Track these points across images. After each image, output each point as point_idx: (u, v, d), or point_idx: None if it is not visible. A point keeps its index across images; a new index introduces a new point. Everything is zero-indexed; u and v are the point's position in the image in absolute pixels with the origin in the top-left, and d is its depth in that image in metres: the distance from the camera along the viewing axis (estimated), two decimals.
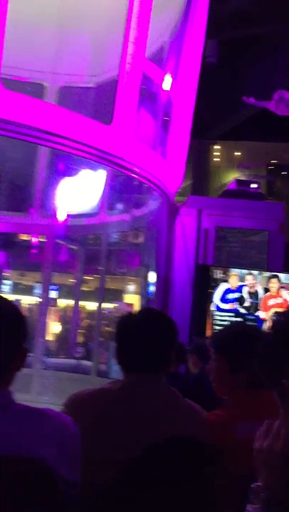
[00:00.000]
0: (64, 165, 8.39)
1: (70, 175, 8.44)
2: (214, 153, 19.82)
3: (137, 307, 9.18)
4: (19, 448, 1.13)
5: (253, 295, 6.97)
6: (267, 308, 6.88)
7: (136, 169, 5.05)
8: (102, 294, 8.36)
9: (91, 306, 10.66)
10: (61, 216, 8.25)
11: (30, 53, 8.07)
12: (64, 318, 11.68)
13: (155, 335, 1.71)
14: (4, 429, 1.15)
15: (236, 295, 6.95)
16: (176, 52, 6.66)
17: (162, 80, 5.75)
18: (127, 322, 1.79)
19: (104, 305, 9.27)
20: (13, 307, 1.30)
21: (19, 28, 6.97)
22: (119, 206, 8.44)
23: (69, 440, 1.23)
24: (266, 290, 6.94)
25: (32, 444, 1.15)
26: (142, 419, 1.58)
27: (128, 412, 1.59)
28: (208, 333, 6.69)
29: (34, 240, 9.56)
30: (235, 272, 7.01)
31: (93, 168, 7.72)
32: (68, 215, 8.35)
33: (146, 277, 8.24)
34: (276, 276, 7.02)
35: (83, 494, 1.22)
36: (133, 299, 10.22)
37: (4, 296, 1.38)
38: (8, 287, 12.09)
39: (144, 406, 1.61)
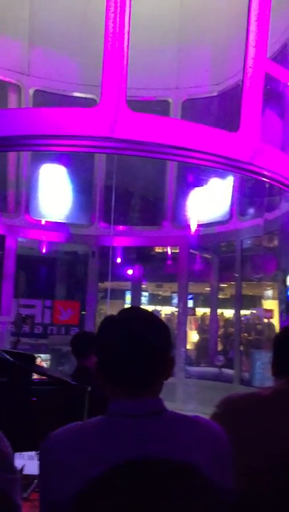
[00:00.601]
0: (193, 176, 8.54)
1: (199, 185, 8.55)
2: None
3: (276, 313, 8.93)
4: (173, 453, 1.19)
5: None
6: None
7: (266, 173, 4.97)
8: (240, 301, 8.29)
9: (228, 313, 10.59)
10: (193, 226, 8.39)
11: (153, 73, 8.41)
12: (202, 326, 11.75)
13: None
14: (159, 434, 1.22)
15: None
16: None
17: (287, 77, 5.59)
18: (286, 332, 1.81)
19: (242, 312, 9.15)
20: (158, 320, 1.37)
21: (142, 50, 7.33)
22: (251, 211, 8.32)
23: (220, 447, 1.27)
24: None
25: (185, 450, 1.21)
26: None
27: (280, 416, 1.58)
28: None
29: (168, 251, 9.82)
30: None
31: (222, 175, 7.74)
32: (200, 225, 8.45)
33: (284, 282, 7.99)
34: None
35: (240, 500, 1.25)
36: (271, 305, 9.96)
37: (146, 308, 1.47)
38: (146, 298, 12.54)
39: None
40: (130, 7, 4.47)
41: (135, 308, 1.41)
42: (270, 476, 1.43)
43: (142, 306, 10.80)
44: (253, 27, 4.69)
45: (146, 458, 1.15)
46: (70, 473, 1.18)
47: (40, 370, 3.27)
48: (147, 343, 1.28)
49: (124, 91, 4.31)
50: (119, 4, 4.37)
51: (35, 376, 3.06)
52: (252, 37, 4.70)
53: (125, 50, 4.25)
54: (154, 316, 1.39)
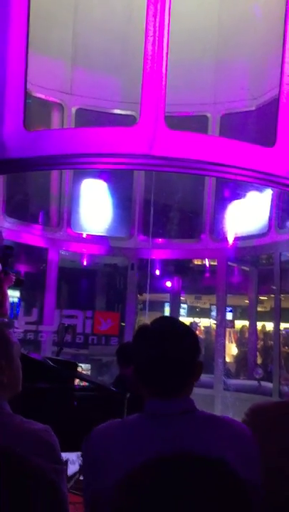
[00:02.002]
0: (230, 190, 8.62)
1: (237, 198, 8.62)
2: None
3: None
4: (206, 449, 1.31)
5: None
6: None
7: None
8: (278, 314, 8.26)
9: (268, 326, 10.53)
10: (231, 239, 8.45)
11: (191, 88, 8.57)
12: (241, 339, 11.71)
13: None
14: (191, 432, 1.35)
15: None
16: None
17: None
18: None
19: (282, 325, 9.10)
20: (187, 328, 1.52)
21: (180, 66, 7.52)
22: None
23: (248, 446, 1.37)
24: None
25: (214, 446, 1.32)
26: None
27: None
28: None
29: (207, 264, 9.89)
30: None
31: (260, 188, 7.79)
32: (238, 238, 8.51)
33: None
34: None
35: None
36: None
37: (177, 318, 1.61)
38: (184, 310, 12.61)
39: None
40: (168, 28, 4.65)
41: (166, 317, 1.57)
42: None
43: (180, 318, 10.87)
44: (288, 44, 4.79)
45: (182, 453, 1.28)
46: (109, 466, 1.32)
47: (82, 376, 3.44)
48: (177, 350, 1.43)
49: (162, 110, 4.49)
50: (158, 26, 4.56)
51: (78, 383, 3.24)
52: (288, 53, 4.80)
53: (164, 70, 4.43)
54: (182, 324, 1.54)
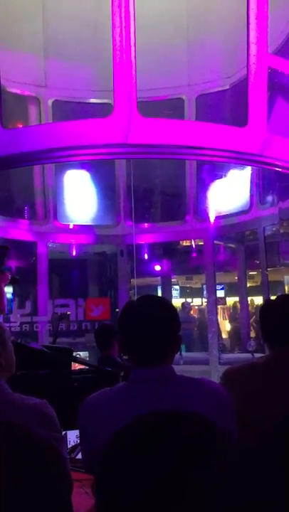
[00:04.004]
0: (210, 171, 8.76)
1: (218, 177, 8.78)
2: None
3: None
4: (181, 405, 1.49)
5: None
6: None
7: (278, 163, 5.19)
8: (266, 287, 8.49)
9: (257, 300, 10.78)
10: (215, 218, 8.63)
11: (165, 72, 8.64)
12: (234, 315, 11.97)
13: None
14: (169, 393, 1.54)
15: None
16: None
17: None
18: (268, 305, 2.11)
19: (272, 298, 9.32)
20: (168, 304, 1.70)
21: (152, 51, 7.59)
22: (270, 198, 8.50)
23: (221, 398, 1.57)
24: None
25: (191, 402, 1.51)
26: (283, 388, 1.84)
27: (272, 380, 1.87)
28: None
29: (194, 244, 10.08)
30: None
31: (239, 168, 7.95)
32: (222, 216, 8.69)
33: None
34: None
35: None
36: None
37: (160, 296, 1.79)
38: (177, 292, 12.83)
39: (286, 377, 1.87)
40: (134, 18, 4.75)
41: (149, 295, 1.75)
42: (264, 430, 1.72)
43: (173, 300, 11.01)
44: (252, 25, 4.91)
45: (160, 410, 1.47)
46: (102, 427, 1.51)
47: (78, 360, 3.62)
48: (158, 324, 1.61)
49: (134, 100, 4.61)
50: (124, 17, 4.67)
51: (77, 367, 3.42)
52: (252, 34, 4.93)
53: (133, 60, 4.55)
54: (164, 300, 1.72)
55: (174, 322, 1.67)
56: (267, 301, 2.16)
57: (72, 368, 3.34)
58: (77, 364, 3.52)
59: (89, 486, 2.17)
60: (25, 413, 1.61)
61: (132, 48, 4.57)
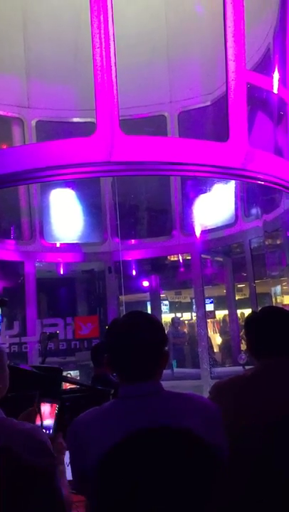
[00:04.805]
0: (195, 185, 8.85)
1: (202, 193, 8.86)
2: None
3: None
4: (170, 421, 1.50)
5: None
6: None
7: (260, 176, 5.27)
8: (255, 299, 8.53)
9: (246, 313, 10.80)
10: (201, 232, 8.70)
11: (147, 90, 8.76)
12: (224, 328, 11.97)
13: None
14: (158, 408, 1.54)
15: None
16: (282, 46, 6.75)
17: (271, 84, 5.91)
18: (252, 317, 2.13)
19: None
20: (154, 320, 1.71)
21: (133, 70, 7.69)
22: (255, 211, 8.60)
23: (210, 413, 1.58)
24: None
25: (180, 418, 1.52)
26: (270, 400, 1.85)
27: (260, 392, 1.87)
28: None
29: (181, 259, 10.12)
30: None
31: (223, 182, 8.04)
32: (208, 230, 8.76)
33: None
34: None
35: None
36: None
37: (146, 312, 1.80)
38: (166, 307, 12.82)
39: (274, 387, 1.88)
40: (114, 39, 4.83)
41: (135, 311, 1.75)
42: (254, 442, 1.73)
43: (163, 315, 10.99)
44: (230, 43, 5.02)
45: (149, 427, 1.47)
46: (92, 445, 1.51)
47: (68, 379, 3.60)
48: (144, 341, 1.62)
49: (116, 118, 4.67)
50: (103, 37, 4.74)
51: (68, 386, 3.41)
52: (230, 52, 5.03)
53: (114, 80, 4.62)
54: (150, 317, 1.72)
55: (160, 337, 1.67)
56: (251, 313, 2.17)
57: (64, 388, 3.33)
58: (68, 384, 3.51)
59: (82, 507, 2.14)
60: (18, 439, 1.60)
61: (113, 68, 4.64)
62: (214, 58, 8.15)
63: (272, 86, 5.83)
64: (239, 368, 9.16)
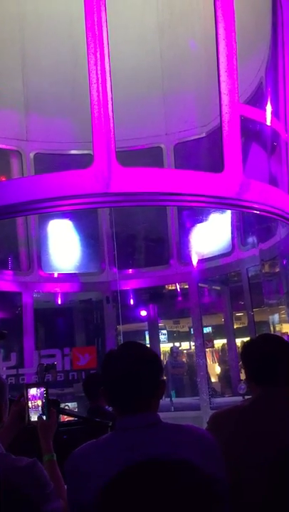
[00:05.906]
0: (191, 215, 8.95)
1: (200, 221, 8.96)
2: None
3: None
4: (168, 453, 1.50)
5: None
6: None
7: (255, 205, 5.34)
8: (253, 328, 8.51)
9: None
10: (199, 261, 8.74)
11: (143, 122, 8.94)
12: (223, 357, 11.89)
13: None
14: (156, 440, 1.54)
15: None
16: (274, 80, 6.94)
17: (264, 116, 6.05)
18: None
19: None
20: (149, 351, 1.72)
21: (130, 103, 7.87)
22: (251, 240, 8.67)
23: (208, 445, 1.57)
24: None
25: (178, 450, 1.52)
26: (268, 431, 1.84)
27: (257, 423, 1.87)
28: None
29: (179, 288, 10.13)
30: None
31: (218, 211, 8.13)
32: (205, 259, 8.80)
33: None
34: None
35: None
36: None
37: (140, 343, 1.81)
38: (164, 336, 12.77)
39: (271, 418, 1.88)
40: (110, 74, 4.97)
41: (130, 342, 1.76)
42: (252, 474, 1.72)
43: (161, 345, 10.93)
44: (223, 77, 5.16)
45: (148, 460, 1.47)
46: (90, 478, 1.50)
47: (66, 412, 3.57)
48: (139, 372, 1.62)
49: (113, 151, 4.77)
50: (100, 73, 4.87)
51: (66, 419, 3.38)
52: (223, 86, 5.17)
53: (110, 114, 4.73)
54: (144, 347, 1.74)
55: (155, 368, 1.68)
56: (247, 342, 2.18)
57: (61, 420, 3.30)
58: (65, 416, 3.47)
59: None
60: (16, 475, 1.61)
61: (110, 102, 4.76)
62: (208, 92, 8.36)
63: (266, 118, 5.96)
64: (239, 398, 9.06)
